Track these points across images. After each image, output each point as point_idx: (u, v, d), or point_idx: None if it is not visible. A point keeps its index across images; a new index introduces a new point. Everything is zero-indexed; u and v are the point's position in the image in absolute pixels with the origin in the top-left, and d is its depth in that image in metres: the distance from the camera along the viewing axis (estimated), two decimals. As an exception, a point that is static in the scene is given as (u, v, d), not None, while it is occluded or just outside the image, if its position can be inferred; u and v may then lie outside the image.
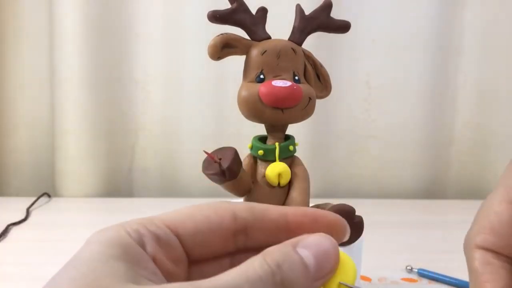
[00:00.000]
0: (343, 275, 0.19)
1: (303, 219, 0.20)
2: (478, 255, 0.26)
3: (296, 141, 0.39)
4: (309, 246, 0.18)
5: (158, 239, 0.18)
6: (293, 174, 0.38)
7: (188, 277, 0.20)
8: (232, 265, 0.19)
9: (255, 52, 0.37)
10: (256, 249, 0.19)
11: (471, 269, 0.27)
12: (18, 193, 0.87)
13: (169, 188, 0.88)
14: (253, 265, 0.17)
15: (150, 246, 0.18)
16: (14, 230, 0.65)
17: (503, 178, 0.28)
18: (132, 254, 0.17)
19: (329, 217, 0.20)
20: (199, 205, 0.20)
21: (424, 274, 0.53)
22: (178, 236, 0.19)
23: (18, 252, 0.58)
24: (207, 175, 0.36)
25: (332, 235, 0.19)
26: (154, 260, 0.18)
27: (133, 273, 0.16)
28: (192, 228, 0.19)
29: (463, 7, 0.84)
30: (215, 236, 0.19)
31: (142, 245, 0.18)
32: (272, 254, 0.17)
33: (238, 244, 0.20)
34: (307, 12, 0.39)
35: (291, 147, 0.38)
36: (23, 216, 0.69)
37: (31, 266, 0.53)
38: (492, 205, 0.27)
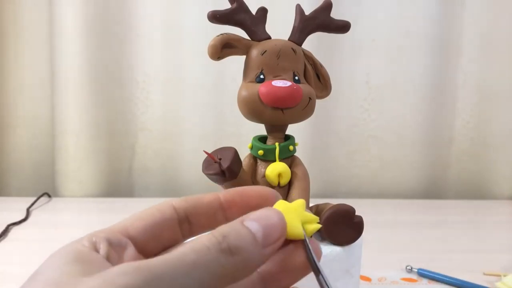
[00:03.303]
0: (296, 218, 0.21)
1: (234, 196, 0.22)
2: None
3: (296, 141, 0.39)
4: (254, 219, 0.19)
5: (110, 242, 0.20)
6: (293, 174, 0.38)
7: None
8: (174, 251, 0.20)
9: (255, 52, 0.37)
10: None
11: None
12: (18, 193, 0.87)
13: (169, 188, 0.88)
14: (201, 239, 0.18)
15: (103, 248, 0.19)
16: (14, 230, 0.65)
17: None
18: (84, 258, 0.18)
19: (256, 189, 0.22)
20: (144, 209, 0.22)
21: (424, 274, 0.53)
22: (129, 236, 0.20)
23: (18, 252, 0.58)
24: (207, 175, 0.36)
25: (262, 204, 0.21)
26: (109, 260, 0.19)
27: (85, 271, 0.17)
28: (141, 226, 0.21)
29: (463, 7, 0.84)
30: (162, 229, 0.21)
31: (95, 249, 0.19)
32: (219, 228, 0.19)
33: (184, 233, 0.22)
34: (307, 12, 0.39)
35: (291, 147, 0.38)
36: (23, 216, 0.70)
37: (31, 266, 0.52)
38: None
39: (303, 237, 0.21)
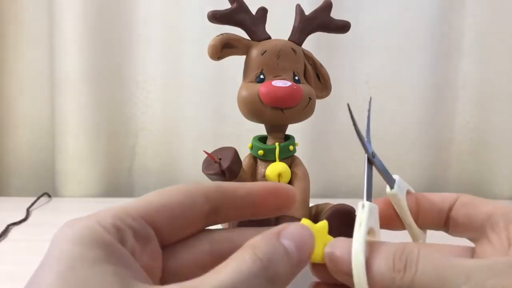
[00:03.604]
0: (321, 242, 0.21)
1: (267, 196, 0.22)
2: None
3: (296, 141, 0.39)
4: (290, 237, 0.19)
5: (136, 234, 0.18)
6: (293, 174, 0.38)
7: (164, 267, 0.20)
8: (201, 246, 0.20)
9: (255, 52, 0.37)
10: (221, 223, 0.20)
11: None
12: (18, 193, 0.87)
13: (169, 188, 0.88)
14: (245, 261, 0.17)
15: (130, 242, 0.18)
16: (14, 230, 0.65)
17: None
18: (115, 255, 0.17)
19: (285, 189, 0.22)
20: (170, 190, 0.20)
21: (424, 274, 0.52)
22: (155, 226, 0.19)
23: (18, 252, 0.58)
24: (207, 175, 0.36)
25: (288, 204, 0.22)
26: (133, 254, 0.18)
27: (121, 277, 0.16)
28: (168, 217, 0.19)
29: (463, 7, 0.84)
30: (189, 221, 0.20)
31: (122, 241, 0.17)
32: (261, 247, 0.18)
33: (208, 223, 0.21)
34: (307, 12, 0.39)
35: (291, 147, 0.38)
36: (23, 216, 0.69)
37: (31, 266, 0.52)
38: None
39: (322, 262, 0.20)
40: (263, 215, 0.22)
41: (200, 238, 0.21)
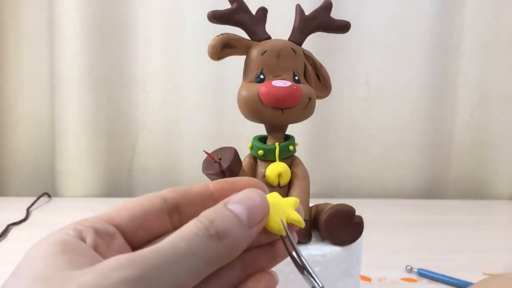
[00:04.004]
0: (282, 213, 0.21)
1: (223, 186, 0.22)
2: None
3: (296, 141, 0.39)
4: (238, 201, 0.20)
5: (96, 231, 0.19)
6: (293, 174, 0.38)
7: None
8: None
9: (255, 52, 0.37)
10: None
11: None
12: (18, 193, 0.87)
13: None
14: (188, 226, 0.18)
15: (90, 238, 0.19)
16: (14, 230, 0.65)
17: None
18: (71, 248, 0.18)
19: (245, 180, 0.22)
20: (131, 198, 0.21)
21: (424, 274, 0.53)
22: (116, 225, 0.20)
23: (18, 252, 0.58)
24: (207, 175, 0.36)
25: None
26: (96, 250, 0.19)
27: (73, 263, 0.17)
28: (127, 215, 0.20)
29: (463, 7, 0.84)
30: (151, 219, 0.21)
31: (81, 238, 0.19)
32: (204, 213, 0.19)
33: (174, 223, 0.21)
34: (307, 12, 0.39)
35: (291, 147, 0.38)
36: (23, 216, 0.69)
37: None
38: None
39: (281, 233, 0.21)
40: None
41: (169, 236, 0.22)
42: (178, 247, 0.17)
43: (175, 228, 0.21)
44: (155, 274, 0.17)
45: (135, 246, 0.20)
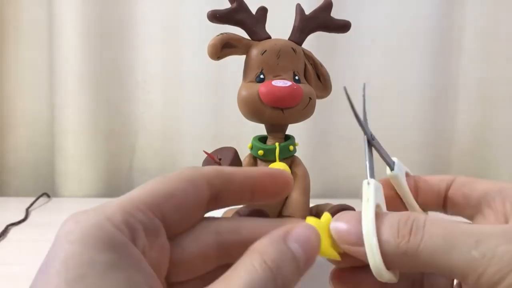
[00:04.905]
0: (328, 240, 0.21)
1: (265, 182, 0.21)
2: None
3: (296, 141, 0.39)
4: (297, 239, 0.19)
5: (147, 230, 0.18)
6: (293, 174, 0.38)
7: (170, 259, 0.19)
8: (207, 238, 0.19)
9: (255, 52, 0.37)
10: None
11: None
12: (17, 193, 0.87)
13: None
14: (256, 270, 0.17)
15: (141, 240, 0.17)
16: (13, 230, 0.64)
17: None
18: (127, 258, 0.16)
19: (282, 174, 0.22)
20: (173, 177, 0.19)
21: (424, 274, 0.52)
22: (162, 217, 0.18)
23: (18, 252, 0.58)
24: (207, 175, 0.35)
25: (286, 188, 0.22)
26: (143, 254, 0.17)
27: (132, 284, 0.15)
28: (174, 206, 0.19)
29: (463, 6, 0.84)
30: (192, 210, 0.19)
31: (134, 241, 0.17)
32: (269, 254, 0.18)
33: (208, 209, 0.20)
34: (307, 12, 0.39)
35: (291, 147, 0.38)
36: (22, 216, 0.69)
37: (31, 266, 0.52)
38: None
39: (336, 258, 0.20)
40: (262, 200, 0.22)
41: (205, 229, 0.20)
42: None
43: (206, 212, 0.20)
44: None
45: (171, 235, 0.19)
